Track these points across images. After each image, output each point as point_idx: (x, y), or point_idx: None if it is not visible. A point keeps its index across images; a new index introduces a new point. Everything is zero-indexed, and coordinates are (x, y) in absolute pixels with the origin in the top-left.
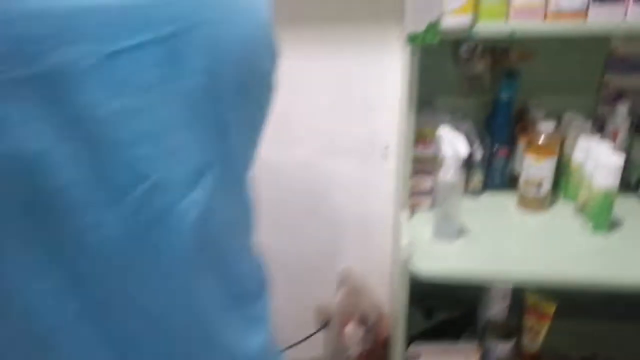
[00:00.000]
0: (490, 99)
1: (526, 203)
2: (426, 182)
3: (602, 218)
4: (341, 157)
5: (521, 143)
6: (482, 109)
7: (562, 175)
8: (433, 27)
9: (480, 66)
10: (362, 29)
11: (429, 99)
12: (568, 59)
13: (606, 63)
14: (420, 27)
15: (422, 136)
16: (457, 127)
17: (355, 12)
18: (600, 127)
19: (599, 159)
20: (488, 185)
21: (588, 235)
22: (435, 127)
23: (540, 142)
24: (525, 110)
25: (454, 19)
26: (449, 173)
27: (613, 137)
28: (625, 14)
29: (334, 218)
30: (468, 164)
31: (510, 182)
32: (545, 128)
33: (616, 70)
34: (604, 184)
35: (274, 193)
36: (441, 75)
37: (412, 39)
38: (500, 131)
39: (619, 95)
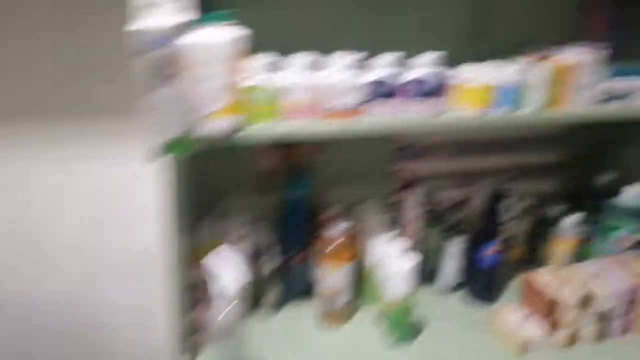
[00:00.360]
0: (283, 197)
1: (327, 316)
2: (209, 314)
3: (402, 328)
4: (111, 280)
5: (316, 249)
6: (276, 208)
7: (361, 280)
8: (183, 137)
9: (270, 161)
10: (119, 123)
11: (217, 200)
12: (360, 149)
13: (397, 151)
14: (167, 137)
15: (202, 254)
16: (248, 231)
17: (111, 105)
18: (395, 218)
19: (391, 265)
20: (287, 297)
21: (390, 349)
22: (217, 240)
23: (332, 248)
24: (320, 206)
25: (215, 123)
26: (224, 311)
27: (407, 228)
28: (402, 109)
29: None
30: (260, 277)
31: (310, 290)
32: (337, 231)
33: (407, 157)
34: (399, 293)
35: (24, 336)
36: (230, 172)
37: (165, 150)
38: (295, 234)
39: (411, 183)
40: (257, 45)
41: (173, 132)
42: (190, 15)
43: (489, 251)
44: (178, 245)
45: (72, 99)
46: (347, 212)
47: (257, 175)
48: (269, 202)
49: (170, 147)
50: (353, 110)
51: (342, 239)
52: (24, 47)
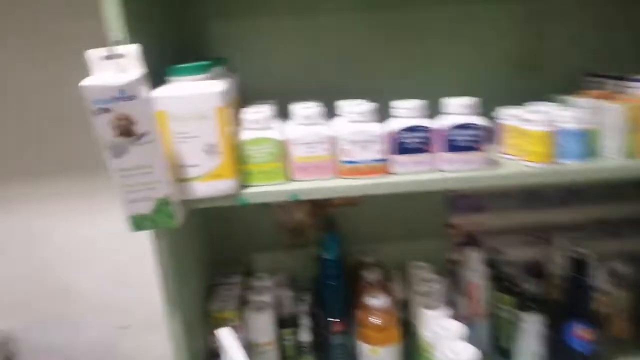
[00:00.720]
0: (316, 255)
1: None
2: None
3: None
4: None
5: (357, 319)
6: (308, 267)
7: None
8: (157, 209)
9: (297, 215)
10: None
11: (241, 258)
12: (404, 198)
13: (452, 201)
14: (133, 212)
15: (222, 319)
16: (277, 294)
17: None
18: (454, 283)
19: (449, 344)
20: None
21: None
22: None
23: (376, 321)
24: (359, 267)
25: (203, 187)
26: None
27: (469, 296)
28: (437, 163)
29: None
30: (292, 347)
31: None
32: (380, 301)
33: (464, 209)
34: None
35: None
36: (255, 227)
37: (137, 224)
38: (331, 299)
39: (472, 240)
40: (255, 93)
41: (141, 206)
42: (160, 66)
43: (580, 331)
44: (179, 317)
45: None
46: (393, 275)
47: (284, 231)
48: (300, 260)
49: (139, 222)
50: (377, 166)
51: (387, 311)
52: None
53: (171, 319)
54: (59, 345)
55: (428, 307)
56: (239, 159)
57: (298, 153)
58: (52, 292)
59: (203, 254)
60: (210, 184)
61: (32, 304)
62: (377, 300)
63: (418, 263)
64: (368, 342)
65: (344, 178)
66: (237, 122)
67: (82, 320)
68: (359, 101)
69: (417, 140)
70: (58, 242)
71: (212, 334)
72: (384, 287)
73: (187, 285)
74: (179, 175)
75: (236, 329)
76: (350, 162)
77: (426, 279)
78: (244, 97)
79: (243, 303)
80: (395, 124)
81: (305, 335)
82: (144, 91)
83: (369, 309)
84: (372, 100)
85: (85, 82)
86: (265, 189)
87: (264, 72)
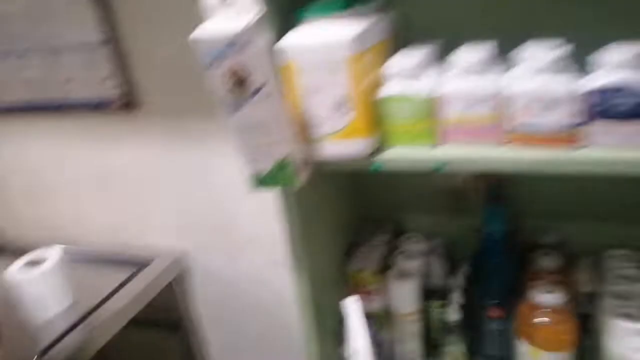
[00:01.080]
0: (478, 226)
1: None
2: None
3: None
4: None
5: (519, 310)
6: (469, 238)
7: None
8: (282, 167)
9: (464, 179)
10: None
11: (391, 215)
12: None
13: None
14: (262, 165)
15: (360, 283)
16: (426, 262)
17: None
18: None
19: None
20: (473, 357)
21: None
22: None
23: (545, 321)
24: (531, 249)
25: (337, 146)
26: None
27: None
28: None
29: None
30: (437, 325)
31: (510, 355)
32: (554, 298)
33: None
34: None
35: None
36: (410, 185)
37: (257, 183)
38: (491, 278)
39: None
40: (418, 33)
41: (260, 165)
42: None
43: None
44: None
45: None
46: (581, 264)
47: (443, 193)
48: (459, 229)
49: (260, 181)
50: (564, 134)
51: (562, 310)
52: None
53: (298, 278)
54: (221, 269)
55: (624, 315)
56: (376, 115)
57: (453, 111)
58: (218, 220)
59: (345, 208)
60: (340, 143)
61: (201, 230)
62: (550, 296)
63: (617, 251)
64: (531, 342)
65: (513, 147)
66: (380, 71)
67: (240, 251)
68: (549, 44)
69: (628, 102)
70: (227, 178)
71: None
72: (563, 278)
73: (320, 243)
74: (304, 133)
75: (374, 293)
76: (526, 126)
77: (626, 276)
78: (403, 38)
79: (386, 266)
80: (597, 79)
81: (454, 313)
82: (261, 39)
83: (537, 304)
84: (569, 45)
85: (196, 33)
86: (406, 153)
87: (430, 4)
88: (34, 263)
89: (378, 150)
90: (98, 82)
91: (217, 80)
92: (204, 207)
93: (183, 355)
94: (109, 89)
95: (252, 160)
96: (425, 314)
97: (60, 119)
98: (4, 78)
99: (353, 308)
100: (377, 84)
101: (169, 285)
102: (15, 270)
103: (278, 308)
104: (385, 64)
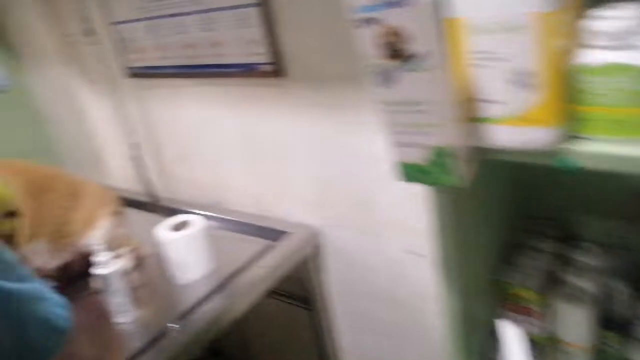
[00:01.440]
0: None
1: None
2: None
3: None
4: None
5: None
6: None
7: None
8: (439, 158)
9: None
10: None
11: (561, 216)
12: None
13: None
14: (414, 154)
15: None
16: (604, 280)
17: None
18: None
19: None
20: None
21: None
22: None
23: None
24: None
25: (513, 133)
26: None
27: None
28: None
29: None
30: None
31: None
32: None
33: None
34: None
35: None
36: (588, 183)
37: (408, 174)
38: None
39: None
40: None
41: (412, 153)
42: None
43: None
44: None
45: None
46: None
47: (635, 196)
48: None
49: (411, 173)
50: None
51: None
52: None
53: (447, 287)
54: (356, 249)
55: None
56: (571, 95)
57: None
58: (358, 198)
59: (504, 203)
60: (517, 129)
61: (340, 205)
62: None
63: None
64: None
65: None
66: (576, 35)
67: (378, 234)
68: None
69: None
70: (374, 154)
71: (499, 312)
72: None
73: (472, 243)
74: (471, 113)
75: (535, 315)
76: None
77: None
78: None
79: (552, 282)
80: None
81: (638, 352)
82: None
83: None
84: None
85: None
86: (611, 149)
87: None
88: (180, 226)
89: (569, 141)
90: (248, 45)
91: (368, 42)
92: (346, 182)
93: (313, 329)
94: (259, 55)
95: (401, 145)
96: (600, 348)
97: (210, 84)
98: (162, 42)
99: (513, 334)
100: (571, 54)
101: (304, 260)
102: (164, 230)
103: (413, 302)
104: (586, 24)
